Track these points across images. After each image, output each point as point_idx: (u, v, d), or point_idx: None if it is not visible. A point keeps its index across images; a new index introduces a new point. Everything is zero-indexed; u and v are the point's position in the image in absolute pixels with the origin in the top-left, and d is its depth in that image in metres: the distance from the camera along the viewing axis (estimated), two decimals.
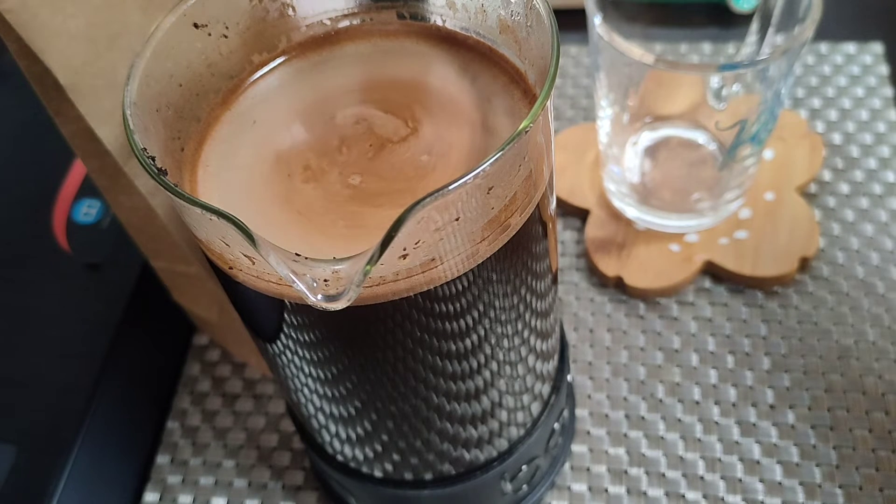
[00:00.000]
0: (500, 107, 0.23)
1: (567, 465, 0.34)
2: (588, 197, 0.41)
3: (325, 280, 0.17)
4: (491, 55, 0.24)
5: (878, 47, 0.46)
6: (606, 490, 0.33)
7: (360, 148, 0.23)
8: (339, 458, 0.29)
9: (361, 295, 0.18)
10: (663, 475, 0.33)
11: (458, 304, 0.21)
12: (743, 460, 0.33)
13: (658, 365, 0.36)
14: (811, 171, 0.40)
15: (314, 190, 0.22)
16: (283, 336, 0.23)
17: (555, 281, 0.26)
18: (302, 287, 0.17)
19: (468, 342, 0.23)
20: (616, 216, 0.40)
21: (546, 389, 0.29)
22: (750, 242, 0.38)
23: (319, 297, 0.17)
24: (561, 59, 0.30)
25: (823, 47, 0.47)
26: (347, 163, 0.22)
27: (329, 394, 0.25)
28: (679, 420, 0.35)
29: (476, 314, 0.22)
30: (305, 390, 0.25)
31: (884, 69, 0.45)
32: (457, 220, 0.19)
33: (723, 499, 0.32)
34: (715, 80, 0.34)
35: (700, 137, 0.39)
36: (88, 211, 0.36)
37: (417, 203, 0.17)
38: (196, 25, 0.23)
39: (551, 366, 0.29)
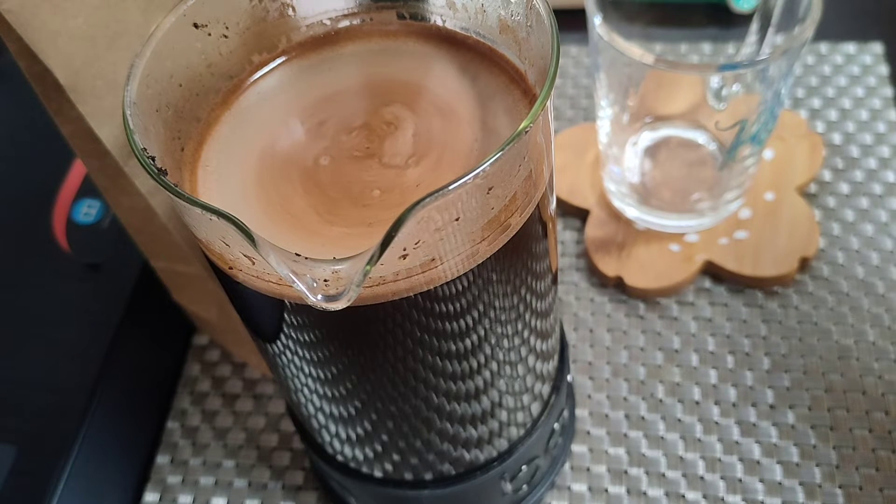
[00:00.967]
0: (500, 107, 0.23)
1: (567, 465, 0.34)
2: (588, 197, 0.41)
3: (325, 280, 0.17)
4: (491, 55, 0.24)
5: (878, 47, 0.46)
6: (606, 490, 0.33)
7: (359, 148, 0.23)
8: (339, 458, 0.29)
9: (361, 295, 0.18)
10: (663, 475, 0.33)
11: (458, 304, 0.21)
12: (743, 460, 0.33)
13: (658, 365, 0.36)
14: (811, 171, 0.40)
15: (314, 189, 0.22)
16: (283, 336, 0.23)
17: (555, 281, 0.26)
18: (302, 287, 0.17)
19: (468, 342, 0.23)
20: (616, 216, 0.40)
21: (546, 389, 0.29)
22: (750, 242, 0.38)
23: (319, 297, 0.17)
24: (561, 59, 0.30)
25: (823, 47, 0.47)
26: (347, 162, 0.22)
27: (329, 394, 0.25)
28: (679, 420, 0.35)
29: (476, 314, 0.22)
30: (305, 390, 0.25)
31: (884, 69, 0.45)
32: (457, 220, 0.19)
33: (723, 499, 0.32)
34: (715, 80, 0.34)
35: (700, 137, 0.39)
36: (88, 211, 0.36)
37: (417, 203, 0.17)
38: (196, 25, 0.23)
39: (551, 366, 0.29)
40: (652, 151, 0.40)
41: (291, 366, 0.24)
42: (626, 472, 0.34)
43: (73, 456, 0.31)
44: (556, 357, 0.29)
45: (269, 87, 0.25)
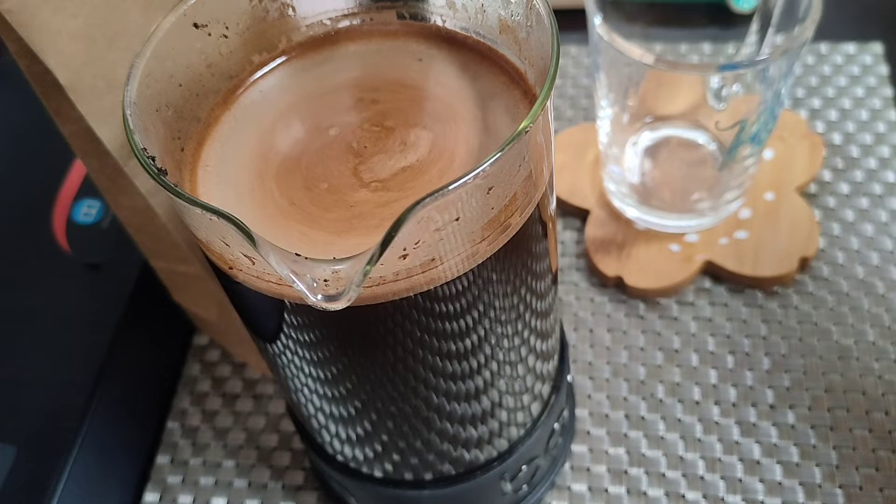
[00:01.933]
0: (499, 107, 0.23)
1: (567, 465, 0.34)
2: (588, 197, 0.41)
3: (325, 280, 0.17)
4: (491, 55, 0.24)
5: (878, 47, 0.46)
6: (606, 490, 0.33)
7: (359, 148, 0.23)
8: (340, 458, 0.29)
9: (361, 295, 0.18)
10: (663, 475, 0.33)
11: (458, 305, 0.21)
12: (743, 460, 0.33)
13: (658, 365, 0.36)
14: (811, 171, 0.40)
15: (314, 190, 0.22)
16: (283, 336, 0.23)
17: (555, 281, 0.26)
18: (302, 287, 0.17)
19: (468, 342, 0.23)
20: (616, 216, 0.40)
21: (546, 389, 0.29)
22: (750, 242, 0.38)
23: (319, 297, 0.17)
24: (561, 59, 0.30)
25: (823, 47, 0.47)
26: (347, 162, 0.22)
27: (329, 394, 0.25)
28: (679, 420, 0.35)
29: (476, 314, 0.22)
30: (305, 390, 0.25)
31: (884, 69, 0.45)
32: (457, 220, 0.19)
33: (723, 499, 0.32)
34: (715, 80, 0.34)
35: (700, 137, 0.39)
36: (88, 211, 0.36)
37: (417, 203, 0.17)
38: (196, 25, 0.23)
39: (551, 366, 0.29)
40: (652, 151, 0.40)
41: (291, 366, 0.24)
42: (626, 472, 0.34)
43: (73, 456, 0.31)
44: (556, 357, 0.29)
45: (270, 87, 0.25)
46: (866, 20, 0.48)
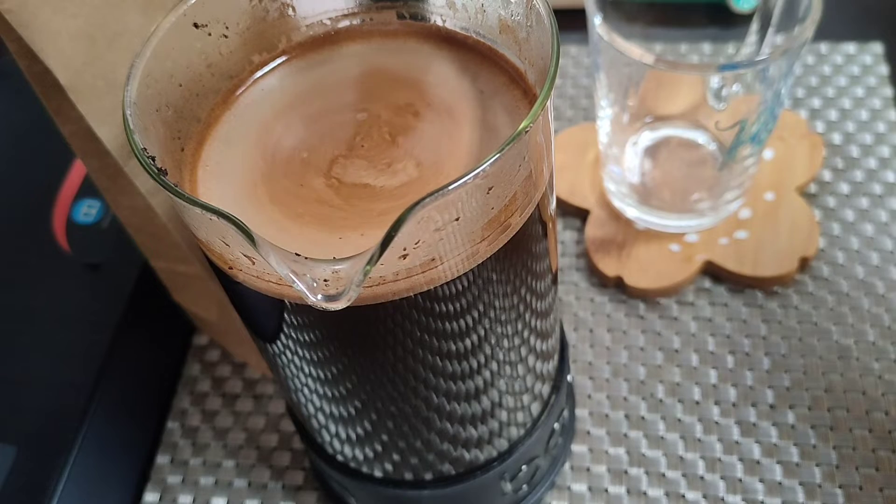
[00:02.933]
0: (499, 106, 0.23)
1: (567, 465, 0.34)
2: (588, 197, 0.41)
3: (325, 280, 0.17)
4: (491, 55, 0.24)
5: (878, 47, 0.46)
6: (606, 490, 0.33)
7: (359, 148, 0.23)
8: (339, 458, 0.29)
9: (361, 295, 0.18)
10: (663, 475, 0.33)
11: (458, 304, 0.21)
12: (743, 460, 0.33)
13: (658, 365, 0.36)
14: (811, 171, 0.40)
15: (314, 189, 0.22)
16: (283, 336, 0.23)
17: (555, 281, 0.26)
18: (302, 287, 0.17)
19: (468, 342, 0.23)
20: (616, 216, 0.40)
21: (546, 389, 0.29)
22: (750, 242, 0.38)
23: (319, 297, 0.17)
24: (561, 59, 0.30)
25: (823, 47, 0.47)
26: (347, 162, 0.22)
27: (329, 394, 0.25)
28: (679, 420, 0.35)
29: (476, 314, 0.22)
30: (305, 390, 0.25)
31: (884, 69, 0.45)
32: (457, 220, 0.19)
33: (723, 499, 0.32)
34: (715, 80, 0.34)
35: (700, 137, 0.39)
36: (88, 211, 0.36)
37: (417, 203, 0.17)
38: (196, 25, 0.23)
39: (551, 366, 0.29)
40: (652, 151, 0.40)
41: (291, 366, 0.24)
42: (626, 472, 0.34)
43: (73, 456, 0.31)
44: (556, 357, 0.29)
45: (270, 87, 0.25)
46: (866, 20, 0.48)
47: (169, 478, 0.35)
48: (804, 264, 0.38)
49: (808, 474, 0.33)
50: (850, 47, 0.47)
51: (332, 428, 0.27)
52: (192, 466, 0.36)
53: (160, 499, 0.35)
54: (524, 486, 0.31)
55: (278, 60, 0.25)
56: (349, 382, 0.24)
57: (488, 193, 0.19)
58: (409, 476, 0.28)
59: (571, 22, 0.37)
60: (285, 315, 0.22)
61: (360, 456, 0.28)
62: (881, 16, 0.48)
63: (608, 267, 0.38)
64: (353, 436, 0.27)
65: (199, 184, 0.22)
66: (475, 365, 0.24)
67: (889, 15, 0.48)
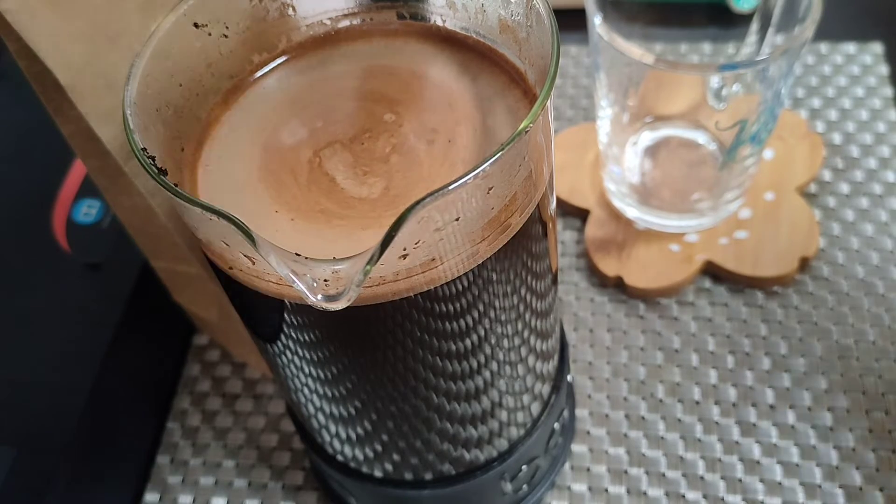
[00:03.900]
0: (500, 106, 0.23)
1: (567, 465, 0.34)
2: (588, 197, 0.41)
3: (325, 280, 0.17)
4: (491, 55, 0.24)
5: (878, 47, 0.46)
6: (606, 490, 0.33)
7: (360, 147, 0.23)
8: (339, 458, 0.29)
9: (361, 295, 0.18)
10: (663, 475, 0.33)
11: (458, 305, 0.21)
12: (743, 460, 0.33)
13: (658, 365, 0.36)
14: (811, 171, 0.40)
15: (314, 190, 0.22)
16: (283, 336, 0.23)
17: (555, 281, 0.26)
18: (302, 287, 0.17)
19: (468, 342, 0.23)
20: (616, 216, 0.40)
21: (546, 389, 0.29)
22: (750, 242, 0.38)
23: (319, 297, 0.17)
24: (561, 59, 0.30)
25: (823, 47, 0.47)
26: (347, 162, 0.22)
27: (329, 394, 0.25)
28: (679, 420, 0.35)
29: (476, 314, 0.22)
30: (305, 390, 0.25)
31: (884, 69, 0.45)
32: (457, 220, 0.19)
33: (723, 499, 0.32)
34: (715, 80, 0.34)
35: (700, 137, 0.39)
36: (88, 211, 0.36)
37: (417, 203, 0.17)
38: (196, 25, 0.23)
39: (551, 366, 0.29)
40: (652, 151, 0.40)
41: (291, 366, 0.24)
42: (626, 472, 0.34)
43: (73, 456, 0.31)
44: (556, 357, 0.29)
45: (270, 87, 0.25)
46: (866, 20, 0.48)
47: (169, 478, 0.35)
48: (804, 264, 0.38)
49: (808, 474, 0.33)
50: (850, 47, 0.47)
51: (332, 428, 0.27)
52: (192, 466, 0.36)
53: (160, 499, 0.35)
54: (524, 486, 0.31)
55: (278, 60, 0.25)
56: (349, 382, 0.24)
57: (488, 193, 0.19)
58: (409, 476, 0.28)
59: (571, 22, 0.37)
60: (285, 315, 0.22)
61: (360, 456, 0.28)
62: (881, 16, 0.48)
63: (608, 267, 0.38)
64: (353, 436, 0.27)
65: (199, 184, 0.22)
66: (475, 365, 0.24)
67: (889, 15, 0.48)
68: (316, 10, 0.25)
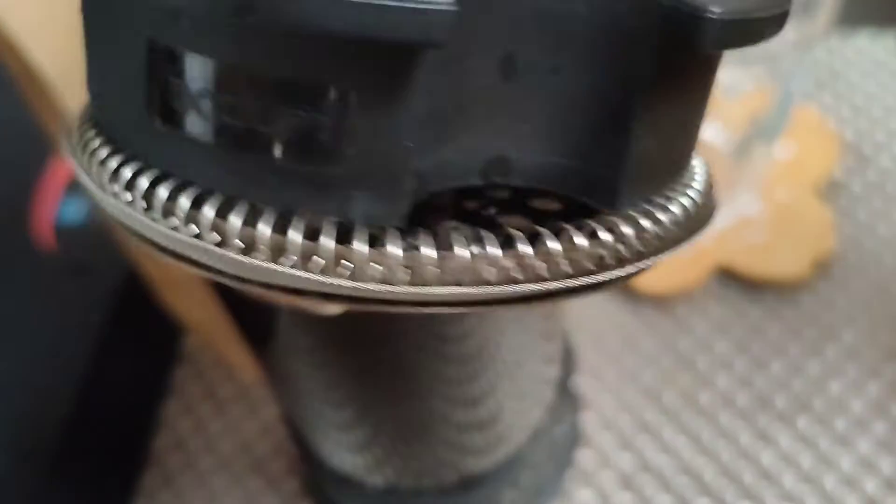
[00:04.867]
0: None
1: (571, 472, 0.33)
2: None
3: None
4: None
5: (891, 42, 0.46)
6: (611, 497, 0.33)
7: None
8: (335, 465, 0.28)
9: None
10: (670, 482, 0.33)
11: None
12: (753, 467, 0.33)
13: (666, 368, 0.36)
14: (825, 168, 0.40)
15: None
16: (278, 340, 0.22)
17: None
18: None
19: (469, 345, 0.22)
20: None
21: (550, 394, 0.29)
22: (762, 243, 0.37)
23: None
24: None
25: (837, 41, 0.46)
26: None
27: (325, 400, 0.24)
28: (687, 425, 0.34)
29: (477, 316, 0.21)
30: (301, 396, 0.25)
31: None
32: None
33: None
34: (725, 76, 0.33)
35: (710, 134, 0.39)
36: (76, 210, 0.36)
37: None
38: None
39: (555, 370, 0.28)
40: None
41: (287, 371, 0.24)
42: (631, 478, 0.33)
43: (58, 464, 0.30)
44: (560, 361, 0.29)
45: None
46: (881, 14, 0.47)
47: (158, 488, 0.35)
48: (818, 265, 0.37)
49: (820, 481, 0.32)
50: (864, 41, 0.46)
51: (328, 435, 0.27)
52: (181, 475, 0.35)
53: None
54: (528, 494, 0.31)
55: None
56: (346, 388, 0.23)
57: None
58: (408, 484, 0.28)
59: None
60: (281, 319, 0.21)
61: (357, 463, 0.27)
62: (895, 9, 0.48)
63: None
64: (350, 443, 0.26)
65: None
66: (477, 370, 0.23)
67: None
68: None
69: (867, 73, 0.45)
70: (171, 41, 0.11)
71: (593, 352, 0.37)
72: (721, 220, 0.38)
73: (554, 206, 0.14)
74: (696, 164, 0.15)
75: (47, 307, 0.34)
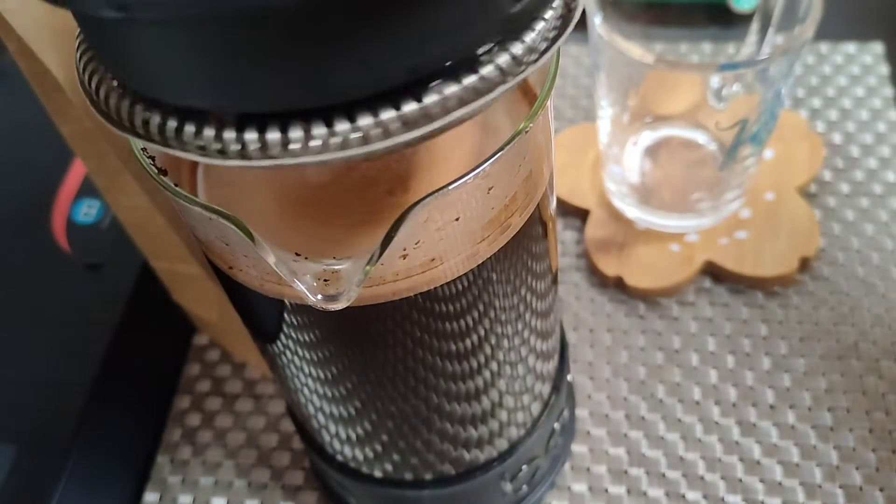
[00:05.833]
0: (499, 107, 0.23)
1: (567, 465, 0.34)
2: (588, 197, 0.41)
3: (325, 280, 0.17)
4: None
5: (878, 47, 0.46)
6: (606, 490, 0.33)
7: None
8: (339, 458, 0.29)
9: (361, 295, 0.18)
10: (663, 475, 0.33)
11: (458, 305, 0.21)
12: (743, 460, 0.33)
13: (658, 365, 0.36)
14: (811, 170, 0.40)
15: (314, 189, 0.22)
16: (283, 336, 0.23)
17: (555, 281, 0.26)
18: (302, 287, 0.17)
19: (468, 342, 0.23)
20: (616, 216, 0.40)
21: (546, 389, 0.29)
22: (750, 242, 0.38)
23: (319, 297, 0.17)
24: (561, 59, 0.30)
25: (823, 47, 0.47)
26: (347, 161, 0.22)
27: (329, 394, 0.25)
28: (679, 420, 0.35)
29: (476, 314, 0.22)
30: (305, 390, 0.25)
31: (884, 69, 0.45)
32: (457, 220, 0.19)
33: (723, 499, 0.32)
34: (715, 80, 0.34)
35: (700, 137, 0.39)
36: (88, 211, 0.36)
37: (418, 203, 0.17)
38: None
39: (551, 366, 0.29)
40: (652, 151, 0.40)
41: (291, 366, 0.24)
42: (626, 472, 0.34)
43: (72, 456, 0.31)
44: (556, 357, 0.29)
45: None
46: (866, 20, 0.48)
47: (169, 478, 0.35)
48: (804, 264, 0.38)
49: (808, 474, 0.33)
50: (850, 47, 0.47)
51: (332, 428, 0.27)
52: (191, 466, 0.36)
53: (160, 499, 0.35)
54: (524, 487, 0.31)
55: None
56: (349, 382, 0.24)
57: (488, 193, 0.19)
58: (409, 476, 0.28)
59: None
60: (285, 315, 0.21)
61: (360, 456, 0.28)
62: (881, 16, 0.48)
63: (608, 267, 0.38)
64: (353, 436, 0.27)
65: (199, 183, 0.22)
66: (475, 365, 0.24)
67: (889, 15, 0.48)
68: None
69: (855, 78, 0.45)
70: None
71: (587, 348, 0.37)
72: (711, 221, 0.39)
73: None
74: None
75: (63, 304, 0.35)
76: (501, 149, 0.18)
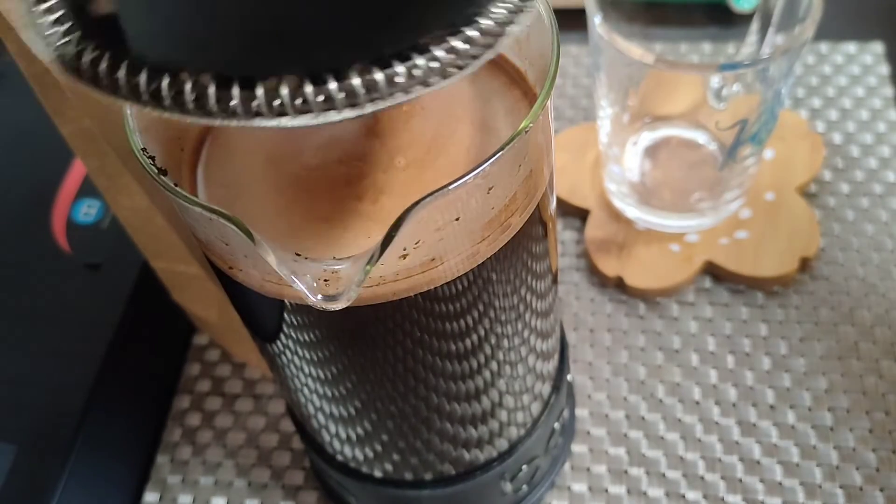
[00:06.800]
0: (499, 107, 0.23)
1: (567, 465, 0.34)
2: (588, 197, 0.41)
3: (325, 280, 0.17)
4: None
5: (878, 47, 0.46)
6: (606, 490, 0.33)
7: (360, 146, 0.23)
8: (339, 457, 0.29)
9: (361, 295, 0.18)
10: (663, 475, 0.33)
11: (458, 305, 0.21)
12: (743, 460, 0.33)
13: (658, 365, 0.36)
14: (811, 170, 0.40)
15: (315, 189, 0.22)
16: (283, 336, 0.23)
17: (555, 281, 0.26)
18: (302, 287, 0.17)
19: (468, 342, 0.23)
20: (616, 216, 0.40)
21: (546, 389, 0.29)
22: (750, 242, 0.38)
23: (319, 297, 0.17)
24: (561, 59, 0.30)
25: (823, 47, 0.47)
26: (347, 161, 0.22)
27: (329, 394, 0.25)
28: (679, 420, 0.35)
29: (476, 314, 0.22)
30: (305, 390, 0.25)
31: (884, 69, 0.45)
32: (457, 219, 0.19)
33: (723, 499, 0.32)
34: (715, 80, 0.34)
35: (700, 137, 0.39)
36: (88, 211, 0.36)
37: (418, 202, 0.17)
38: None
39: (551, 366, 0.29)
40: (652, 151, 0.40)
41: (291, 366, 0.24)
42: (626, 471, 0.34)
43: (72, 456, 0.31)
44: (556, 357, 0.29)
45: None
46: (866, 20, 0.48)
47: (169, 478, 0.35)
48: (804, 264, 0.38)
49: (808, 474, 0.33)
50: (851, 47, 0.47)
51: (332, 428, 0.27)
52: (191, 466, 0.36)
53: (160, 499, 0.35)
54: (524, 486, 0.31)
55: None
56: (349, 382, 0.24)
57: (488, 193, 0.19)
58: (409, 476, 0.28)
59: (571, 22, 0.37)
60: (285, 315, 0.22)
61: (360, 456, 0.28)
62: (881, 16, 0.48)
63: (608, 267, 0.38)
64: (353, 436, 0.27)
65: (199, 184, 0.22)
66: (475, 365, 0.24)
67: (889, 15, 0.48)
68: None
69: (855, 78, 0.45)
70: None
71: (587, 348, 0.37)
72: (711, 221, 0.39)
73: None
74: None
75: (63, 304, 0.35)
76: (501, 149, 0.18)
